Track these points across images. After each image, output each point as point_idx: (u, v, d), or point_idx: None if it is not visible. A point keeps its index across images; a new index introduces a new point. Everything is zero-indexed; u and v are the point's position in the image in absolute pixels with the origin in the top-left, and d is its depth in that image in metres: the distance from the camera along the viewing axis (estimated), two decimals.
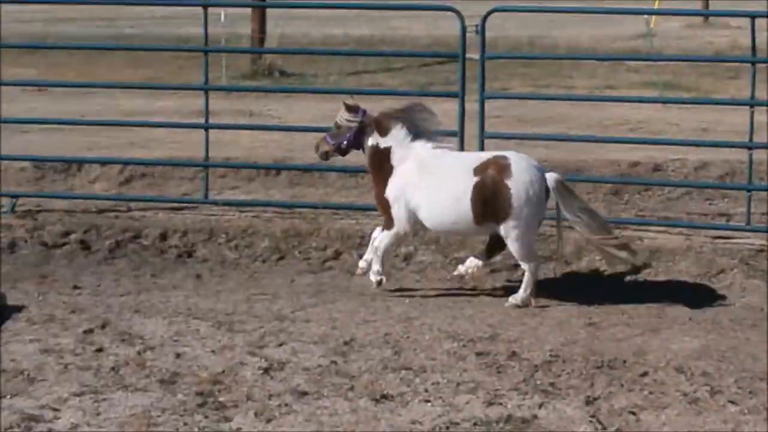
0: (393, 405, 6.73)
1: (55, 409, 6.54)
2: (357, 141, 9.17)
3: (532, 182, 8.74)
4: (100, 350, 7.61)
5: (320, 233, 10.64)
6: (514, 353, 7.69)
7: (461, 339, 8.01)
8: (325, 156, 9.43)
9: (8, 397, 6.70)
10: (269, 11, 24.83)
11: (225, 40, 21.39)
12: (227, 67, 20.26)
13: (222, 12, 20.55)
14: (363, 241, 10.10)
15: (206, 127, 11.72)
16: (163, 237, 10.69)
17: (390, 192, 9.02)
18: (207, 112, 11.62)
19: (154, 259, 10.42)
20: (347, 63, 22.96)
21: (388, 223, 9.11)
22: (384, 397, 6.83)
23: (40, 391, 6.82)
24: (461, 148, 10.43)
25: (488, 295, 9.36)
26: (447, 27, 18.54)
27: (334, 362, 7.48)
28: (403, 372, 7.28)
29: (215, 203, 11.60)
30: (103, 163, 12.50)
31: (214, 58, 18.79)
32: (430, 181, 8.91)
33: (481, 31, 10.88)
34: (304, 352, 7.66)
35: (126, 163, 12.45)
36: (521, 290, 9.02)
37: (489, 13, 10.68)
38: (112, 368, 7.25)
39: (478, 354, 7.67)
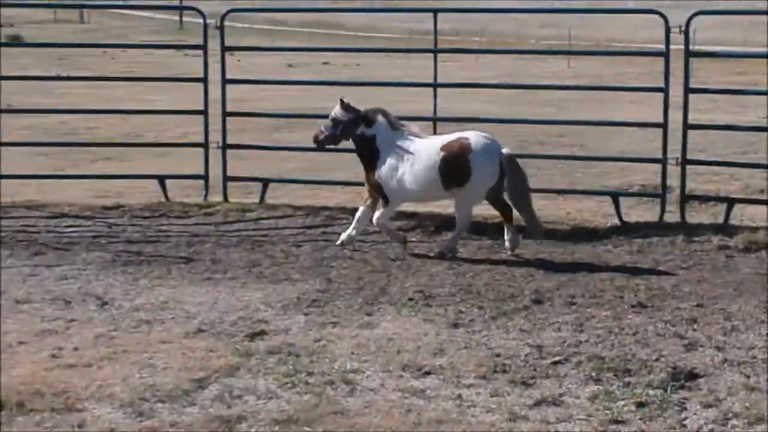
0: None
1: None
2: (347, 131, 11.17)
3: (488, 156, 10.70)
4: None
5: None
6: None
7: None
8: (321, 144, 11.41)
9: None
10: None
11: None
12: None
13: None
14: None
15: None
16: None
17: (380, 174, 11.02)
18: None
19: None
20: None
21: (384, 201, 11.09)
22: None
23: None
24: (206, 127, 13.13)
25: None
26: None
27: None
28: None
29: None
30: None
31: None
32: (410, 160, 10.90)
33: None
34: None
35: None
36: (450, 240, 11.10)
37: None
38: None
39: None
